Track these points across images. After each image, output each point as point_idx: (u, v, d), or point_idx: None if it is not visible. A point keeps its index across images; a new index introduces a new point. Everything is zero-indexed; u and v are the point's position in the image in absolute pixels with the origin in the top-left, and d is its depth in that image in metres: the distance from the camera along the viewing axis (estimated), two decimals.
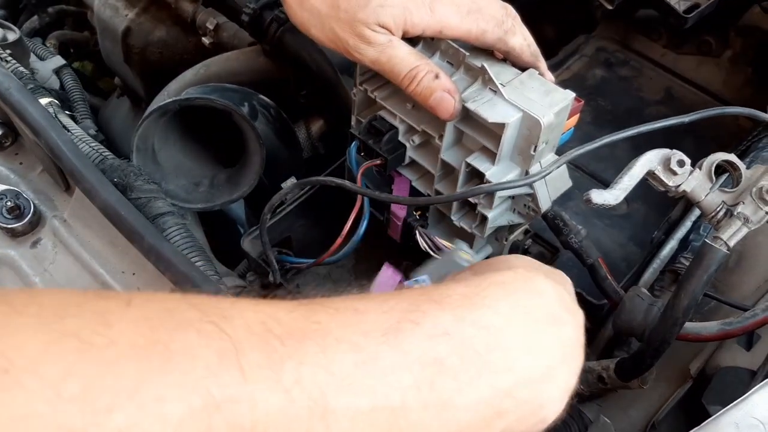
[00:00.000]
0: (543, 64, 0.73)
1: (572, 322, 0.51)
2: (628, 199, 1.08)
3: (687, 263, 0.78)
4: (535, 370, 0.46)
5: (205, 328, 0.36)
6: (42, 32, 1.58)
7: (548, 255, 0.85)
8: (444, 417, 0.42)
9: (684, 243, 0.86)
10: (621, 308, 0.68)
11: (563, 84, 1.22)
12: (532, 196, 0.72)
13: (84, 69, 1.86)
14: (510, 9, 0.72)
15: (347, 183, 0.73)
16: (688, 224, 0.87)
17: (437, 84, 0.68)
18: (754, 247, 0.82)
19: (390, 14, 0.67)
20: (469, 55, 0.70)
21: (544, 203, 0.72)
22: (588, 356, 0.81)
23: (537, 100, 0.67)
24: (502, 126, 0.66)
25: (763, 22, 1.14)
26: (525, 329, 0.47)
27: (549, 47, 1.32)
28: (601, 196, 0.63)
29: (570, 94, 0.69)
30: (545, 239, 0.85)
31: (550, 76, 0.73)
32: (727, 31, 1.18)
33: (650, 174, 0.65)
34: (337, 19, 0.68)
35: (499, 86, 0.67)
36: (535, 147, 0.67)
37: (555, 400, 0.47)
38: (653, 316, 0.66)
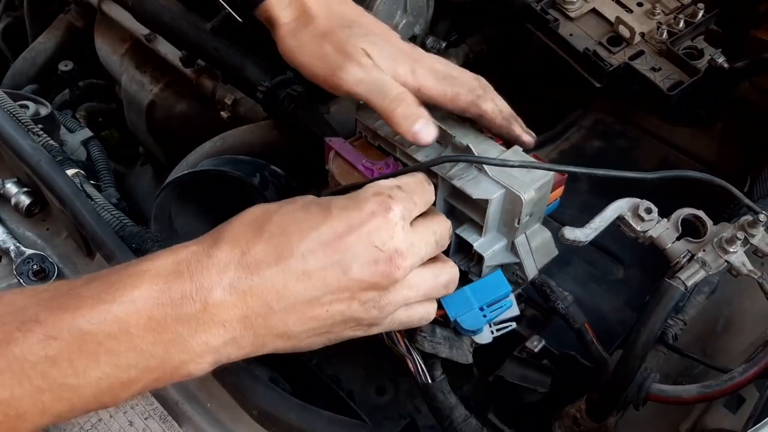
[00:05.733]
0: (517, 127, 0.77)
1: None
2: (624, 265, 1.13)
3: (674, 325, 0.80)
4: None
5: None
6: (73, 104, 1.68)
7: (542, 318, 0.89)
8: (65, 396, 0.52)
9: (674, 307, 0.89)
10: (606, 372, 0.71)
11: (562, 154, 1.28)
12: (519, 265, 0.76)
13: (111, 137, 1.96)
14: (482, 80, 0.77)
15: None
16: None
17: (422, 111, 0.71)
18: (741, 312, 0.85)
19: (371, 42, 0.73)
20: (456, 136, 0.75)
21: (531, 271, 0.75)
22: None
23: (519, 176, 0.71)
24: (486, 201, 0.70)
25: (752, 96, 1.19)
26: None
27: (550, 120, 1.39)
28: (573, 233, 0.68)
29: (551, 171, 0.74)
30: (539, 304, 0.89)
31: (527, 137, 0.78)
32: (718, 104, 1.23)
33: (621, 219, 0.69)
34: (325, 41, 0.73)
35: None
36: (519, 220, 0.71)
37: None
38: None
